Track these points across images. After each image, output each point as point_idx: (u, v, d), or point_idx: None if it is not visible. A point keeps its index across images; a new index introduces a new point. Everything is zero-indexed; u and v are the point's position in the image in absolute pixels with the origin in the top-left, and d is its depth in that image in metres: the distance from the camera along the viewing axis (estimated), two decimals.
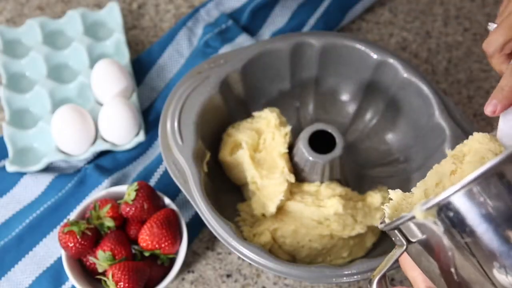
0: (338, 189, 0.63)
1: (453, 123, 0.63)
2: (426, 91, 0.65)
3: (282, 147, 0.64)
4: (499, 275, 0.36)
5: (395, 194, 0.44)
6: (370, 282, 0.43)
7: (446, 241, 0.37)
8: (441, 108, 0.64)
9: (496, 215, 0.35)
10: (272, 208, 0.62)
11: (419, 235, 0.39)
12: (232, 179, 0.68)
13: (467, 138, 0.56)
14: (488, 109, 0.45)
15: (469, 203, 0.36)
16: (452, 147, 0.62)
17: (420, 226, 0.38)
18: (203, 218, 0.59)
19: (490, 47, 0.50)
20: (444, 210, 0.36)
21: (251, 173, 0.64)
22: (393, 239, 0.42)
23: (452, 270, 0.38)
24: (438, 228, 0.37)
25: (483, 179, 0.35)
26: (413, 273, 0.44)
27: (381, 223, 0.43)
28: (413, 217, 0.37)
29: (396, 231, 0.41)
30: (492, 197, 0.35)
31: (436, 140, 0.64)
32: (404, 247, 0.41)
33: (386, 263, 0.42)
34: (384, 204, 0.44)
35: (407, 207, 0.44)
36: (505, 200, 0.35)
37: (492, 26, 0.52)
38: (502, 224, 0.36)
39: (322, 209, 0.62)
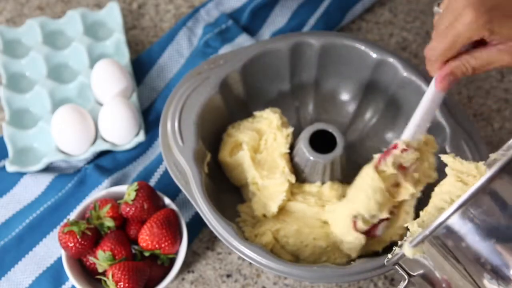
0: (341, 189, 0.63)
1: (453, 121, 0.63)
2: (426, 89, 0.65)
3: (283, 148, 0.64)
4: (490, 285, 0.38)
5: (411, 226, 0.45)
6: None
7: (438, 274, 0.39)
8: (441, 107, 0.64)
9: (473, 242, 0.37)
10: (273, 208, 0.62)
11: (418, 270, 0.42)
12: (231, 180, 0.68)
13: (467, 137, 0.57)
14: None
15: (452, 236, 0.37)
16: (453, 146, 0.62)
17: (414, 260, 0.40)
18: (204, 219, 0.59)
19: (433, 55, 0.53)
20: (433, 244, 0.38)
21: (251, 174, 0.64)
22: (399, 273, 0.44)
23: None
24: (428, 262, 0.39)
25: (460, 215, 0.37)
26: None
27: (385, 262, 0.45)
28: (403, 255, 0.40)
29: (397, 266, 0.43)
30: (470, 233, 0.37)
31: (436, 139, 0.64)
32: (406, 281, 0.43)
33: None
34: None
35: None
36: (478, 233, 0.37)
37: (437, 10, 0.54)
38: (480, 247, 0.37)
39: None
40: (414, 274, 0.43)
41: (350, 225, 0.59)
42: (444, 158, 0.47)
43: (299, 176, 0.64)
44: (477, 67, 0.53)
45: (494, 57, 0.51)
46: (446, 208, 0.45)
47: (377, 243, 0.62)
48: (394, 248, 0.45)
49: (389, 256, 0.44)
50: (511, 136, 0.74)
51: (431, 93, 0.56)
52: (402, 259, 0.42)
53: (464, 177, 0.45)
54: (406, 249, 0.39)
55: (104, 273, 0.58)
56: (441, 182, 0.48)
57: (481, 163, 0.45)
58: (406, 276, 0.43)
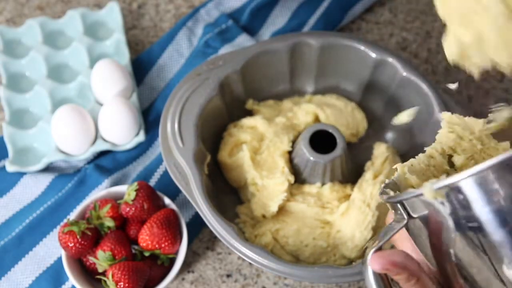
0: (342, 190, 0.63)
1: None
2: (425, 89, 0.65)
3: (286, 145, 0.64)
4: (508, 271, 0.36)
5: (401, 167, 0.43)
6: (364, 254, 0.42)
7: (450, 222, 0.36)
8: (441, 106, 0.64)
9: (507, 206, 0.35)
10: (273, 208, 0.62)
11: (422, 212, 0.38)
12: (229, 181, 0.68)
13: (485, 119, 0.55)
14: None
15: (481, 189, 0.35)
16: None
17: (425, 203, 0.38)
18: (205, 220, 0.59)
19: None
20: (455, 193, 0.35)
21: (251, 175, 0.64)
22: (393, 211, 0.41)
23: (451, 251, 0.38)
24: (444, 209, 0.36)
25: (501, 167, 0.34)
26: (405, 245, 0.43)
27: (381, 193, 0.42)
28: (421, 195, 0.37)
29: (398, 204, 0.40)
30: (506, 187, 0.34)
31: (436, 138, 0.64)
32: (405, 221, 0.40)
33: (383, 236, 0.42)
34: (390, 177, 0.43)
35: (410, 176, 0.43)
36: None
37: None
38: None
39: (328, 210, 0.62)
40: (415, 216, 0.39)
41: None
42: (443, 114, 0.46)
43: (299, 177, 0.64)
44: None
45: None
46: (435, 157, 0.45)
47: None
48: (386, 183, 0.42)
49: (389, 192, 0.41)
50: None
51: None
52: (409, 199, 0.38)
53: (457, 128, 0.45)
54: (427, 190, 0.35)
55: (104, 273, 0.58)
56: (436, 136, 0.47)
57: (477, 119, 0.45)
58: (405, 217, 0.40)
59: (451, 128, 0.45)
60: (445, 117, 0.46)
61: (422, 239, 0.40)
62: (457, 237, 0.37)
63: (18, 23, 0.83)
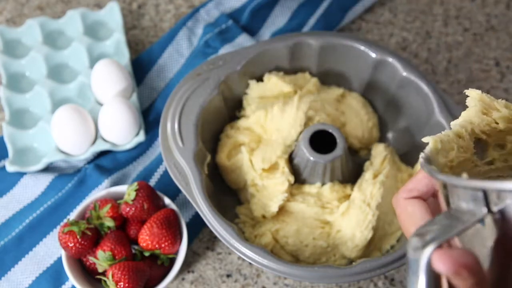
0: (342, 190, 0.63)
1: (453, 121, 0.63)
2: (425, 89, 0.65)
3: (297, 123, 0.64)
4: None
5: (433, 141, 0.36)
6: (419, 248, 0.31)
7: None
8: (441, 106, 0.64)
9: None
10: (273, 208, 0.62)
11: (501, 205, 0.30)
12: (228, 183, 0.68)
13: None
14: None
15: None
16: None
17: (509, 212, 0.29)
18: (205, 220, 0.59)
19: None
20: None
21: (251, 176, 0.64)
22: (459, 201, 0.32)
23: None
24: None
25: None
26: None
27: (432, 170, 0.33)
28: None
29: (479, 192, 0.31)
30: None
31: None
32: (482, 215, 0.31)
33: (446, 230, 0.32)
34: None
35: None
36: None
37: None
38: None
39: (328, 210, 0.62)
40: (495, 209, 0.30)
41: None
42: (469, 91, 0.40)
43: (299, 177, 0.64)
44: None
45: None
46: (464, 137, 0.37)
47: (378, 249, 0.62)
48: (423, 157, 0.34)
49: (464, 176, 0.32)
50: None
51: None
52: (504, 190, 0.29)
53: (491, 111, 0.38)
54: None
55: (104, 273, 0.58)
56: (462, 113, 0.40)
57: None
58: (485, 210, 0.30)
59: (485, 109, 0.38)
60: (474, 96, 0.39)
61: (480, 242, 0.32)
62: None
63: (18, 23, 0.83)
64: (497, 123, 0.38)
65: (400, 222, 0.38)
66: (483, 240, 0.32)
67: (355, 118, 0.69)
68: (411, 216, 0.37)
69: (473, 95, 0.39)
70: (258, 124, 0.67)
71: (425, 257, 0.30)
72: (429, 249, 0.31)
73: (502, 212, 0.30)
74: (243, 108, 0.70)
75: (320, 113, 0.67)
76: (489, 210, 0.31)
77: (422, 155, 0.36)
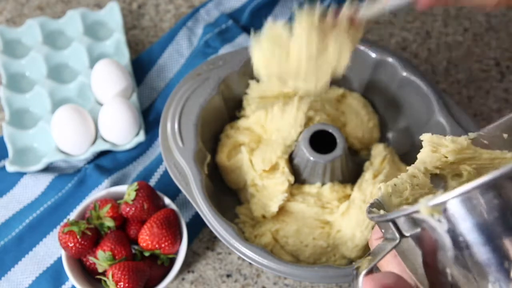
0: (342, 190, 0.63)
1: (453, 121, 0.63)
2: (425, 89, 0.65)
3: (297, 122, 0.64)
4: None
5: (385, 187, 0.43)
6: (356, 275, 0.40)
7: (447, 240, 0.36)
8: (441, 106, 0.64)
9: (492, 221, 0.34)
10: (274, 208, 0.62)
11: (415, 230, 0.37)
12: (228, 183, 0.68)
13: (467, 136, 0.55)
14: None
15: (476, 206, 0.34)
16: None
17: (419, 221, 0.37)
18: (205, 220, 0.59)
19: None
20: (452, 209, 0.34)
21: (251, 176, 0.64)
22: (382, 230, 0.40)
23: (448, 270, 0.37)
24: (441, 226, 0.35)
25: (495, 185, 0.34)
26: (392, 265, 0.42)
27: (368, 212, 0.41)
28: (417, 212, 0.35)
29: (390, 223, 0.39)
30: (499, 205, 0.34)
31: None
32: (397, 241, 0.38)
33: (374, 256, 0.40)
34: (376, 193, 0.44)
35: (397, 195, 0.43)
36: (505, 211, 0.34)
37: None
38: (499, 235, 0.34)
39: (328, 210, 0.62)
40: (407, 234, 0.38)
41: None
42: (423, 136, 0.47)
43: (299, 177, 0.64)
44: None
45: None
46: (418, 176, 0.44)
47: None
48: (371, 202, 0.42)
49: (379, 211, 0.40)
50: None
51: None
52: (402, 217, 0.37)
53: (440, 148, 0.45)
54: (423, 207, 0.34)
55: (104, 273, 0.58)
56: (417, 156, 0.47)
57: (458, 137, 0.45)
58: (398, 236, 0.38)
59: (434, 148, 0.45)
60: (426, 138, 0.46)
61: (413, 258, 0.39)
62: (454, 256, 0.36)
63: (18, 23, 0.83)
64: (446, 156, 0.45)
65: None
66: (416, 256, 0.39)
67: (356, 118, 0.69)
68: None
69: (424, 138, 0.46)
70: (258, 124, 0.67)
71: (359, 281, 0.39)
72: (360, 277, 0.39)
73: (417, 235, 0.37)
74: (243, 108, 0.70)
75: (320, 113, 0.67)
76: (403, 236, 0.38)
77: (370, 200, 0.43)
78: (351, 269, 0.55)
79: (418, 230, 0.37)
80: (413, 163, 0.66)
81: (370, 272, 0.39)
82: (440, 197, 0.34)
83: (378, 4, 0.54)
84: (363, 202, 0.61)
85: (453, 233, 0.35)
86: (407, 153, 0.68)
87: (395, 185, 0.44)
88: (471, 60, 0.80)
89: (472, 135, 0.46)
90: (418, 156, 0.46)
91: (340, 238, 0.62)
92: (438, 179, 0.46)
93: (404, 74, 0.66)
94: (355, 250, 0.61)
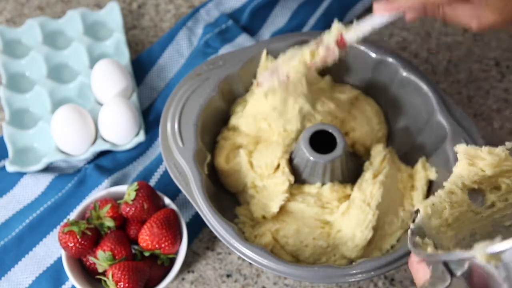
0: (342, 190, 0.63)
1: (453, 121, 0.63)
2: (425, 89, 0.65)
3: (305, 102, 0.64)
4: None
5: (424, 208, 0.41)
6: None
7: (504, 286, 0.34)
8: (441, 106, 0.64)
9: None
10: (274, 208, 0.62)
11: (465, 267, 0.36)
12: (226, 186, 0.67)
13: (467, 136, 0.55)
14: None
15: None
16: (452, 145, 0.62)
17: (475, 265, 0.35)
18: (205, 220, 0.59)
19: None
20: (509, 256, 0.33)
21: (250, 178, 0.64)
22: (430, 268, 0.39)
23: None
24: (498, 273, 0.34)
25: None
26: None
27: (413, 244, 0.39)
28: (473, 258, 0.34)
29: (441, 263, 0.37)
30: None
31: (436, 138, 0.64)
32: (448, 282, 0.37)
33: None
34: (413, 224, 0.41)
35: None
36: None
37: None
38: None
39: (328, 210, 0.62)
40: (458, 274, 0.36)
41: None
42: (457, 147, 0.45)
43: (299, 177, 0.64)
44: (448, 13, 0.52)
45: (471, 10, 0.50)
46: (456, 193, 0.42)
47: (378, 249, 0.62)
48: (412, 229, 0.39)
49: (422, 240, 0.39)
50: (511, 136, 0.74)
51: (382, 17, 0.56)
52: (457, 260, 0.35)
53: (476, 161, 0.43)
54: (481, 254, 0.33)
55: (104, 273, 0.58)
56: (453, 169, 0.45)
57: (495, 148, 0.43)
58: (448, 278, 0.37)
59: (470, 161, 0.43)
60: (461, 150, 0.44)
61: None
62: None
63: (18, 23, 0.83)
64: (483, 170, 0.43)
65: (413, 277, 0.43)
66: None
67: (366, 125, 0.68)
68: (422, 276, 0.41)
69: (459, 150, 0.44)
70: (253, 108, 0.66)
71: None
72: None
73: (466, 273, 0.36)
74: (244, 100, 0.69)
75: (327, 115, 0.66)
76: (453, 275, 0.37)
77: (411, 226, 0.41)
78: (350, 269, 0.56)
79: (467, 267, 0.36)
80: (415, 162, 0.66)
81: None
82: (500, 245, 0.32)
83: (366, 25, 0.56)
84: (363, 202, 0.61)
85: (511, 280, 0.34)
86: (407, 153, 0.68)
87: (433, 204, 0.42)
88: (471, 60, 0.80)
89: (509, 144, 0.44)
90: (454, 169, 0.44)
91: (340, 238, 0.62)
92: (476, 193, 0.45)
93: (404, 74, 0.66)
94: (355, 250, 0.61)
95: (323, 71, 0.70)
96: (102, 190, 0.67)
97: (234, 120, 0.68)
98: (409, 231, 0.41)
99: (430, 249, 0.38)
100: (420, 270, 0.41)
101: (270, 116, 0.65)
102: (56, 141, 0.70)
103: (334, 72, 0.72)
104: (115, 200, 0.63)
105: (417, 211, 0.43)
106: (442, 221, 0.42)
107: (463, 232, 0.42)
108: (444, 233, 0.42)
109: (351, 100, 0.70)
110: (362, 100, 0.70)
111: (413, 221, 0.43)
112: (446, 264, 0.37)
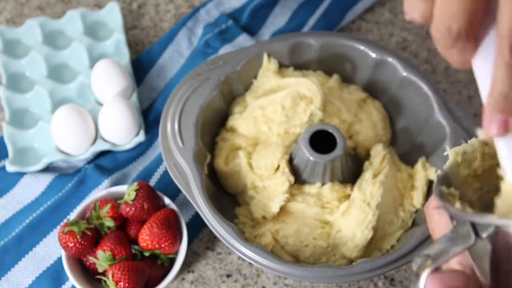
0: (342, 190, 0.63)
1: (453, 121, 0.63)
2: (425, 89, 0.65)
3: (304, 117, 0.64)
4: None
5: (454, 155, 0.37)
6: (418, 271, 0.35)
7: None
8: (441, 106, 0.64)
9: None
10: (274, 209, 0.62)
11: (490, 230, 0.33)
12: (226, 187, 0.67)
13: (467, 136, 0.54)
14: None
15: None
16: (452, 145, 0.62)
17: (503, 232, 0.33)
18: (205, 220, 0.59)
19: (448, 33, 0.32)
20: None
21: (250, 179, 0.64)
22: (454, 222, 0.36)
23: None
24: None
25: None
26: (455, 263, 0.37)
27: (439, 194, 0.35)
28: (508, 226, 0.31)
29: (468, 222, 0.34)
30: None
31: (436, 138, 0.64)
32: (472, 242, 0.34)
33: (441, 254, 0.35)
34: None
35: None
36: None
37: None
38: None
39: (328, 210, 0.62)
40: (484, 236, 0.33)
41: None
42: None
43: (299, 177, 0.64)
44: None
45: None
46: (491, 144, 0.38)
47: (378, 249, 0.62)
48: (438, 176, 0.36)
49: (448, 189, 0.35)
50: None
51: None
52: (486, 225, 0.32)
53: None
54: None
55: (104, 273, 0.58)
56: None
57: None
58: (473, 237, 0.34)
59: None
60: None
61: (481, 258, 0.35)
62: None
63: (18, 23, 0.83)
64: None
65: (429, 228, 0.41)
66: (485, 255, 0.35)
67: (371, 130, 0.68)
68: (437, 224, 0.40)
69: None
70: (255, 108, 0.66)
71: (421, 280, 0.35)
72: (424, 274, 0.35)
73: (491, 236, 0.34)
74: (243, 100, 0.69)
75: (333, 117, 0.66)
76: (479, 236, 0.34)
77: (438, 172, 0.38)
78: (350, 269, 0.56)
79: (492, 231, 0.34)
80: (415, 162, 0.65)
81: (435, 270, 0.35)
82: None
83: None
84: (363, 202, 0.61)
85: None
86: (407, 153, 0.68)
87: (465, 152, 0.39)
88: None
89: None
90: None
91: (340, 238, 0.62)
92: None
93: (404, 74, 0.66)
94: (356, 250, 0.61)
95: (330, 70, 0.70)
96: (102, 190, 0.67)
97: (232, 121, 0.68)
98: (435, 178, 0.38)
99: (458, 205, 0.35)
100: (440, 221, 0.39)
101: (274, 118, 0.65)
102: (56, 141, 0.70)
103: (334, 72, 0.72)
104: (115, 200, 0.63)
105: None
106: (471, 172, 0.39)
107: (489, 186, 0.39)
108: (470, 184, 0.39)
109: (359, 102, 0.70)
110: (370, 103, 0.70)
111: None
112: (473, 224, 0.34)
